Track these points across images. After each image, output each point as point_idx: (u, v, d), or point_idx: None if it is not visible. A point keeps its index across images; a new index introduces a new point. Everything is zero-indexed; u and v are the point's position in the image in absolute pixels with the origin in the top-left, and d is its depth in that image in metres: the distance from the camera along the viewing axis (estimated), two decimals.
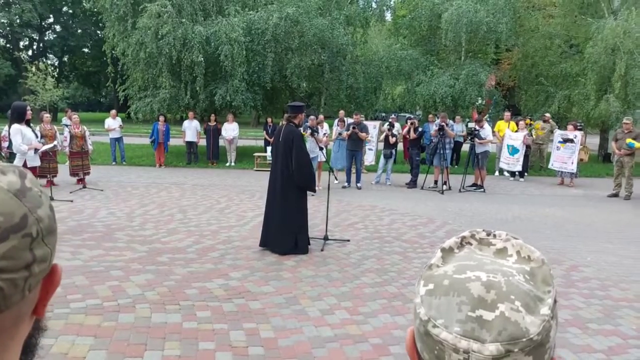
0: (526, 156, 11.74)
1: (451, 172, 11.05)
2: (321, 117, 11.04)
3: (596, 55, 13.25)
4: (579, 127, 11.87)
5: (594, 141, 17.32)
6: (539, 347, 0.47)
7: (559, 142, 11.44)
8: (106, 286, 4.13)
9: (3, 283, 0.43)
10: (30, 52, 37.52)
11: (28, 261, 0.45)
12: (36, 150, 7.22)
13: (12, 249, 0.43)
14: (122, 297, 3.91)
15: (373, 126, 11.94)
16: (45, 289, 0.49)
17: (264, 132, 14.06)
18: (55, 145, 8.39)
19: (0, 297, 0.43)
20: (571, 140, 11.19)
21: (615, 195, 9.88)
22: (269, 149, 11.13)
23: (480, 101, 16.02)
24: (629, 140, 9.50)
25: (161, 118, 12.55)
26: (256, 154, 12.83)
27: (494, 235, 0.56)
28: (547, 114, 13.23)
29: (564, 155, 11.26)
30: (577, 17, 15.25)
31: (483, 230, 0.57)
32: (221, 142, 13.42)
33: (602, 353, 3.30)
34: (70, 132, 9.28)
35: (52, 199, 6.94)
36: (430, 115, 11.89)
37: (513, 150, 11.40)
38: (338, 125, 10.26)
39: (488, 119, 12.57)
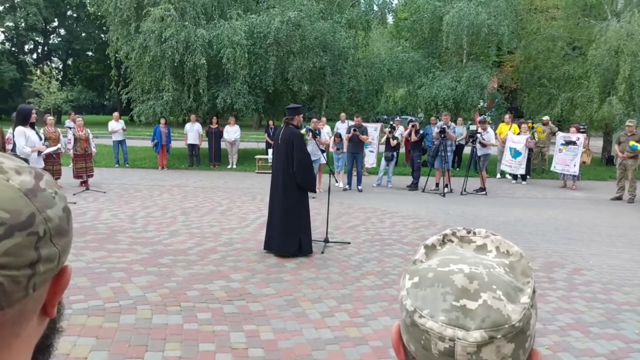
0: (528, 159, 11.71)
1: (453, 174, 11.02)
2: (324, 119, 11.04)
3: (599, 58, 13.22)
4: (581, 130, 11.83)
5: (597, 144, 17.25)
6: (521, 334, 0.49)
7: (562, 144, 11.40)
8: (108, 287, 4.15)
9: (4, 279, 0.43)
10: (35, 56, 37.82)
11: (32, 259, 0.45)
12: (39, 152, 7.27)
13: (16, 246, 0.43)
14: (124, 299, 3.93)
15: (374, 128, 11.94)
16: (53, 289, 0.50)
17: (266, 134, 14.10)
18: (58, 148, 8.44)
19: (1, 293, 0.43)
20: (574, 143, 11.15)
21: (619, 198, 9.84)
22: (270, 151, 11.15)
23: (482, 104, 16.00)
24: (632, 143, 9.46)
25: (162, 120, 12.62)
26: (258, 157, 12.86)
27: (474, 233, 0.59)
28: (546, 117, 13.20)
29: (567, 158, 11.22)
30: (580, 19, 15.23)
31: (463, 229, 0.59)
32: (223, 145, 13.46)
33: (604, 357, 3.29)
34: (74, 134, 9.33)
35: None
36: (432, 118, 11.90)
37: (515, 153, 11.37)
38: (335, 140, 10.25)
39: (490, 122, 12.54)
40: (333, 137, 10.43)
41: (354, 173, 10.24)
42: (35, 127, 7.48)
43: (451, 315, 0.48)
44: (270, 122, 14.04)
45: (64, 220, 0.49)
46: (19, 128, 6.97)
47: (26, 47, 36.93)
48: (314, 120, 9.69)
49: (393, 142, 10.34)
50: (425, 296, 0.51)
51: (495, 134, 11.85)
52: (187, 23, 12.93)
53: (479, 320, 0.47)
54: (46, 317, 0.51)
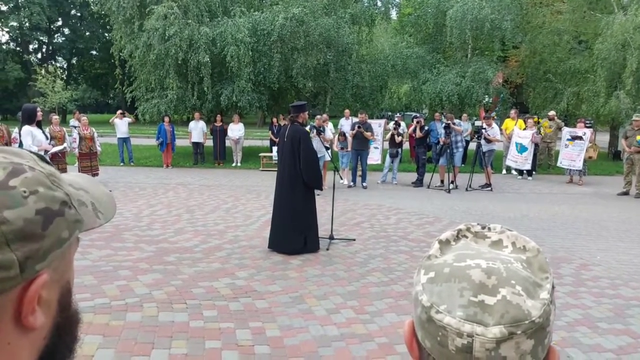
0: (534, 154, 11.63)
1: (459, 170, 10.97)
2: (325, 116, 10.96)
3: (606, 52, 13.08)
4: (587, 125, 11.73)
5: (603, 139, 17.11)
6: (540, 330, 0.48)
7: (568, 139, 11.31)
8: (114, 285, 4.17)
9: None
10: (39, 55, 38.00)
11: None
12: (46, 151, 7.30)
13: None
14: (130, 297, 3.94)
15: (378, 124, 11.90)
16: (19, 300, 0.46)
17: (270, 132, 14.09)
18: (64, 147, 8.47)
19: None
20: (580, 138, 11.06)
21: (626, 193, 9.76)
22: (274, 149, 11.13)
23: (487, 99, 15.90)
24: (639, 138, 9.38)
25: (166, 119, 12.65)
26: (262, 154, 12.86)
27: (489, 229, 0.57)
28: (552, 112, 13.10)
29: (573, 153, 11.13)
30: (586, 12, 15.07)
31: (478, 224, 0.58)
32: (227, 143, 13.47)
33: (612, 352, 3.26)
34: (79, 133, 9.37)
35: None
36: (437, 114, 11.84)
37: (521, 149, 11.29)
38: (339, 139, 10.18)
39: (496, 118, 12.47)
40: (337, 135, 10.37)
41: (359, 170, 10.21)
42: (42, 126, 7.51)
43: (469, 310, 0.47)
44: (274, 120, 14.03)
45: (37, 224, 0.45)
46: (26, 127, 7.01)
47: (30, 46, 37.10)
48: (318, 117, 9.66)
49: (398, 139, 10.30)
50: (441, 291, 0.50)
51: (501, 129, 11.77)
52: (190, 21, 12.92)
53: (498, 316, 0.46)
54: (27, 328, 0.47)
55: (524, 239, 0.55)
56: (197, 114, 13.17)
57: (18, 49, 35.97)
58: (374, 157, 11.66)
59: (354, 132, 9.80)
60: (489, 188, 10.11)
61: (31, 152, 0.51)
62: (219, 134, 13.18)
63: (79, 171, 9.33)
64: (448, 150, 9.99)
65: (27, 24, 33.08)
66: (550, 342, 0.51)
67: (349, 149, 10.02)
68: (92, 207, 0.55)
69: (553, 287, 0.51)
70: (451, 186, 9.92)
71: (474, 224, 0.58)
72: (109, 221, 0.58)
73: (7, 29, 34.35)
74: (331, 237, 5.66)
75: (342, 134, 10.18)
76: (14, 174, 0.46)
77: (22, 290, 0.45)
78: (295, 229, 5.22)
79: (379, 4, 16.90)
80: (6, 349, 0.46)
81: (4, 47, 34.26)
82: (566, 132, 11.58)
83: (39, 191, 0.46)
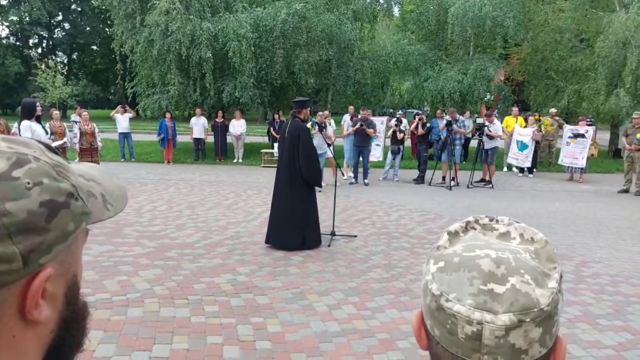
0: (535, 152, 11.63)
1: (459, 167, 10.98)
2: (326, 112, 10.96)
3: (607, 50, 13.07)
4: (588, 123, 11.73)
5: (604, 136, 17.10)
6: (549, 318, 0.49)
7: (569, 137, 11.31)
8: (115, 281, 4.18)
9: None
10: (39, 50, 37.88)
11: None
12: None
13: None
14: (131, 292, 3.95)
15: (380, 122, 11.88)
16: (23, 293, 0.45)
17: (271, 128, 14.07)
18: (64, 142, 8.47)
19: None
20: (582, 136, 11.06)
21: (626, 191, 9.77)
22: (276, 145, 11.11)
23: (488, 96, 15.89)
24: (639, 135, 9.37)
25: (167, 114, 12.64)
26: (263, 151, 12.86)
27: (497, 221, 0.58)
28: (553, 110, 13.09)
29: (575, 151, 11.13)
30: (588, 10, 15.03)
31: (486, 216, 0.59)
32: (229, 139, 13.47)
33: (612, 349, 3.28)
34: (80, 128, 9.36)
35: None
36: (439, 111, 11.82)
37: (522, 146, 11.28)
38: (351, 120, 10.23)
39: (497, 115, 12.45)
40: (348, 116, 10.39)
41: (360, 167, 10.21)
42: (42, 121, 7.50)
43: (479, 299, 0.48)
44: (276, 116, 14.02)
45: (40, 216, 0.44)
46: (25, 122, 7.00)
47: (30, 41, 36.99)
48: (320, 113, 9.65)
49: (400, 136, 10.29)
50: (451, 280, 0.51)
51: (502, 127, 11.77)
52: (192, 16, 12.89)
53: (508, 303, 0.47)
54: (32, 321, 0.46)
55: (532, 231, 0.56)
56: (198, 110, 13.16)
57: (18, 43, 35.88)
58: (375, 154, 11.65)
59: (356, 128, 9.80)
60: (490, 185, 10.12)
61: (39, 142, 0.50)
62: (220, 130, 13.17)
63: None
64: (450, 147, 9.99)
65: (27, 19, 32.98)
66: (557, 331, 0.52)
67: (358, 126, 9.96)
68: (102, 199, 0.54)
69: (561, 277, 0.52)
70: (452, 183, 9.93)
71: (482, 216, 0.59)
72: (118, 213, 0.57)
73: (7, 24, 34.28)
74: (332, 234, 5.66)
75: (355, 115, 10.21)
76: (18, 164, 0.44)
77: (26, 284, 0.45)
78: (293, 226, 5.20)
79: (381, 0, 16.85)
80: (12, 342, 0.46)
81: (4, 41, 34.19)
82: (568, 129, 11.58)
83: (43, 182, 0.45)
